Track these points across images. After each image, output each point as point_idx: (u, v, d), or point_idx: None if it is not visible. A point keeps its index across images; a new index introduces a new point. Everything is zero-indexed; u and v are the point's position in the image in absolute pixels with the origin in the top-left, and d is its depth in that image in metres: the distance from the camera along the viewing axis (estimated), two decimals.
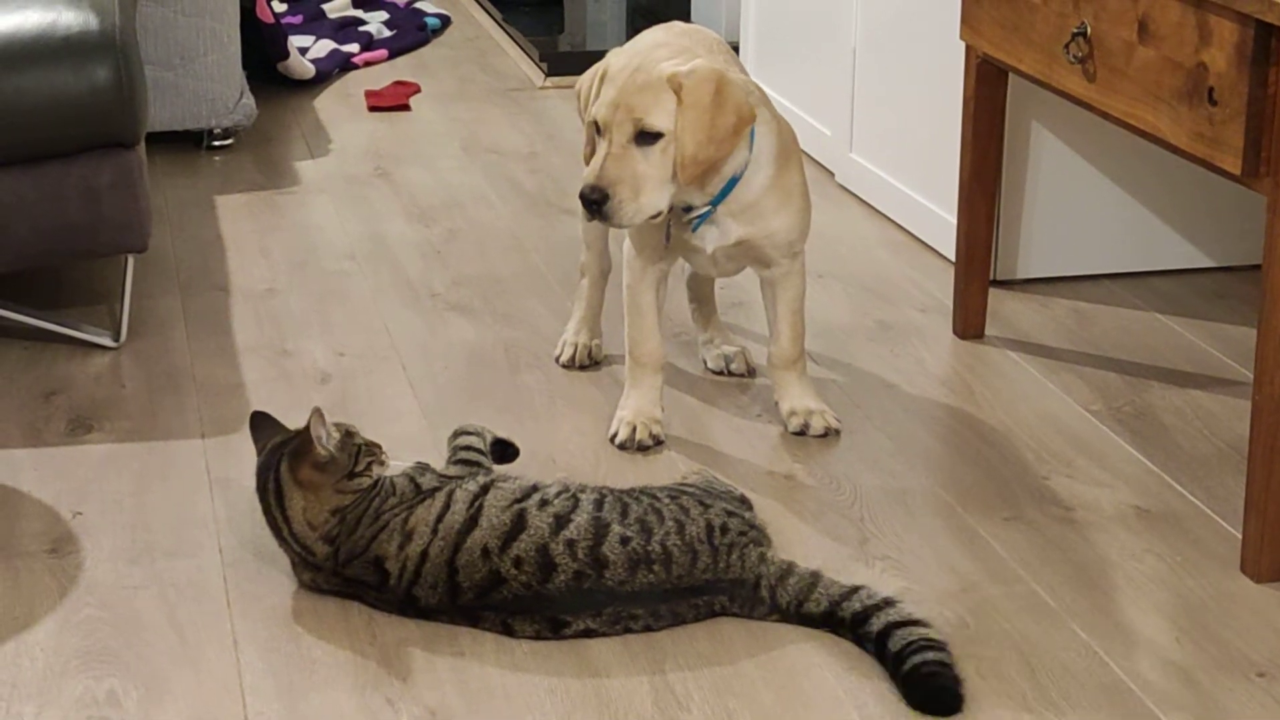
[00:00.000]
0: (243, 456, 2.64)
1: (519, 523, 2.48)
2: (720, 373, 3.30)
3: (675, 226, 2.91)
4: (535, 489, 2.55)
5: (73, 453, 3.02)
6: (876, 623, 2.44)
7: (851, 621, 2.46)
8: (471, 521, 2.49)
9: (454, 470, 2.69)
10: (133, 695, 2.38)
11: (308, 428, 2.53)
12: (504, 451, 2.84)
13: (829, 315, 3.59)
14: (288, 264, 3.83)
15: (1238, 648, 2.50)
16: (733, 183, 2.87)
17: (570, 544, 2.46)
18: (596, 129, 2.78)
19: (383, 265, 3.83)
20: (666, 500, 2.56)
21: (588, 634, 2.48)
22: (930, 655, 2.37)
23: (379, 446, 2.59)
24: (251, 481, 2.60)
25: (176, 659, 2.46)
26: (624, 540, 2.47)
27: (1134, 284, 3.74)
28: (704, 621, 2.53)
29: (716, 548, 2.51)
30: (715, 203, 2.89)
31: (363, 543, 2.51)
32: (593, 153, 2.78)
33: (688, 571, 2.49)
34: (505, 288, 3.71)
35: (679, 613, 2.51)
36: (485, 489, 2.54)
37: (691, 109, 2.72)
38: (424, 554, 2.49)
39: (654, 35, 2.95)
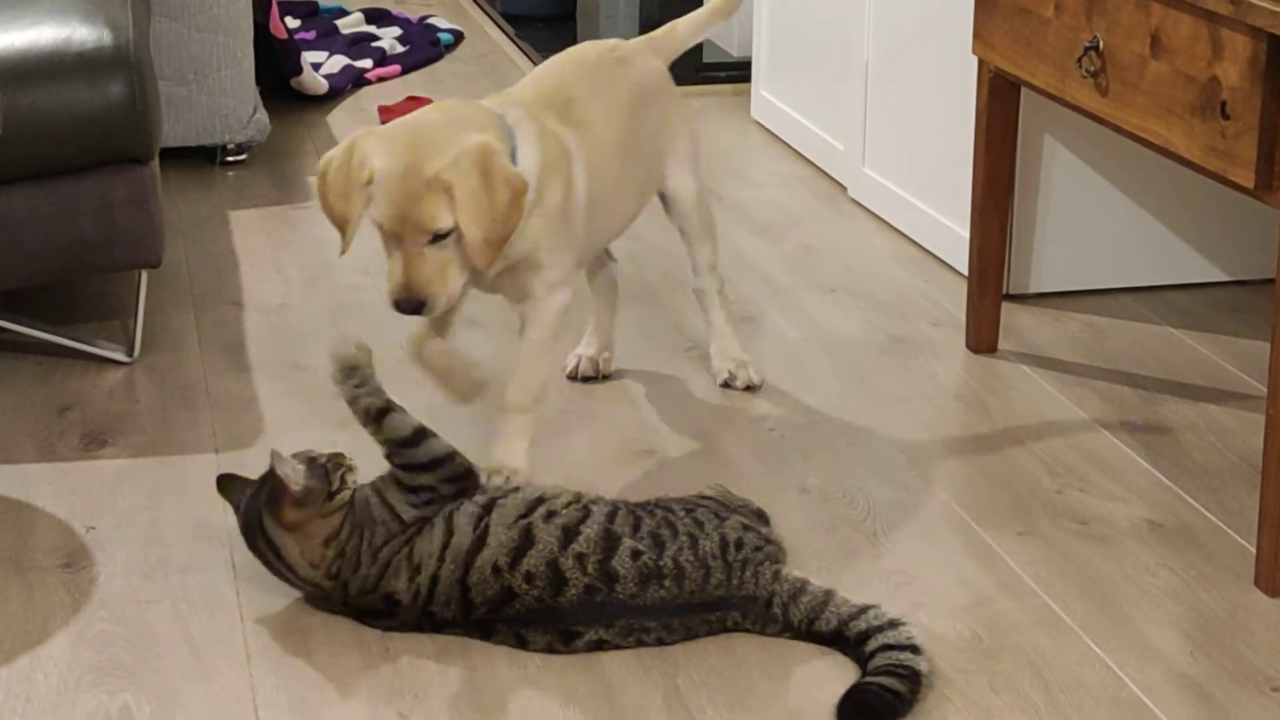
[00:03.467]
0: (256, 471, 2.64)
1: (526, 538, 2.48)
2: (725, 385, 3.29)
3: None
4: (541, 501, 2.54)
5: (86, 467, 3.02)
6: (874, 643, 2.43)
7: (855, 641, 2.46)
8: (479, 541, 2.49)
9: (407, 478, 2.54)
10: (146, 710, 2.38)
11: (272, 473, 2.50)
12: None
13: (842, 330, 3.59)
14: (301, 279, 3.83)
15: (1252, 662, 2.49)
16: None
17: (580, 558, 2.46)
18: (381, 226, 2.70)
19: None
20: (681, 514, 2.56)
21: (600, 645, 2.48)
22: (886, 680, 2.36)
23: (341, 455, 2.55)
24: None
25: (190, 674, 2.46)
26: (635, 554, 2.47)
27: (1148, 298, 3.74)
28: (716, 635, 2.53)
29: (730, 564, 2.51)
30: None
31: (371, 580, 2.50)
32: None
33: (700, 587, 2.49)
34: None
35: (691, 626, 2.50)
36: (488, 508, 2.52)
37: (467, 201, 2.62)
38: (435, 577, 2.48)
39: (423, 117, 2.80)
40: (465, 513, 2.52)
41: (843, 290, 3.78)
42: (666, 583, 2.47)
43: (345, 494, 2.52)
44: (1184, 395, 3.31)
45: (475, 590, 2.47)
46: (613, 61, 3.10)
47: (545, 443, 3.09)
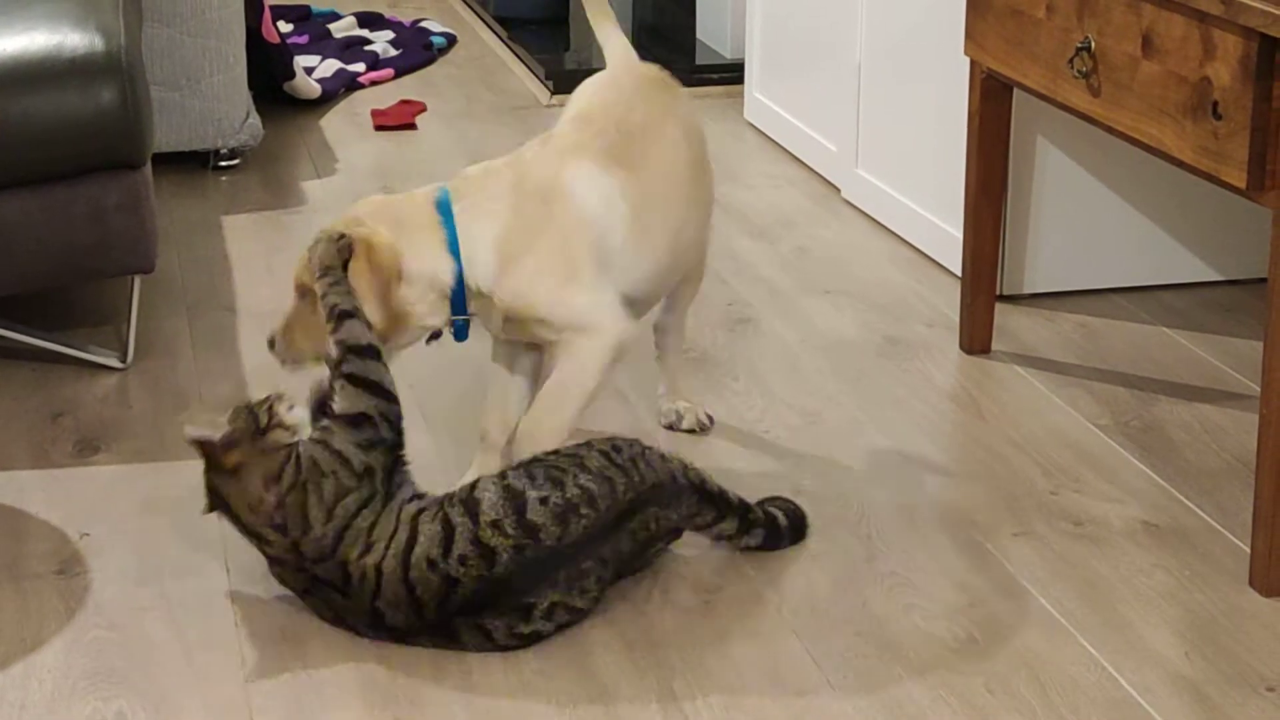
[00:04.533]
0: None
1: (448, 527, 2.49)
2: (670, 428, 3.18)
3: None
4: (449, 495, 2.57)
5: (80, 474, 3.02)
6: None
7: (739, 505, 2.72)
8: (413, 538, 2.49)
9: (349, 399, 2.56)
10: (141, 716, 2.38)
11: (194, 442, 2.54)
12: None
13: (836, 331, 3.59)
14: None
15: (1247, 662, 2.50)
16: (459, 292, 2.72)
17: (495, 524, 2.47)
18: None
19: None
20: (554, 456, 2.59)
21: (553, 610, 2.49)
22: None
23: (271, 395, 2.56)
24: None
25: (185, 680, 2.46)
26: (543, 500, 2.50)
27: (1141, 298, 3.74)
28: (710, 637, 2.53)
29: (623, 466, 2.56)
30: (458, 313, 2.74)
31: (328, 545, 2.50)
32: None
33: (611, 498, 2.53)
34: None
35: (621, 550, 2.55)
36: (423, 510, 2.53)
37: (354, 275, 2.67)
38: (378, 569, 2.49)
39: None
40: (407, 511, 2.52)
41: (838, 292, 3.78)
42: (583, 510, 2.50)
43: (280, 433, 2.52)
44: (1178, 395, 3.31)
45: (419, 587, 2.48)
46: (661, 81, 2.98)
47: None
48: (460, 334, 2.79)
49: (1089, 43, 2.93)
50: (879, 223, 4.15)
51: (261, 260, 3.96)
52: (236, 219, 4.22)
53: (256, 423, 2.52)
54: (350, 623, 2.54)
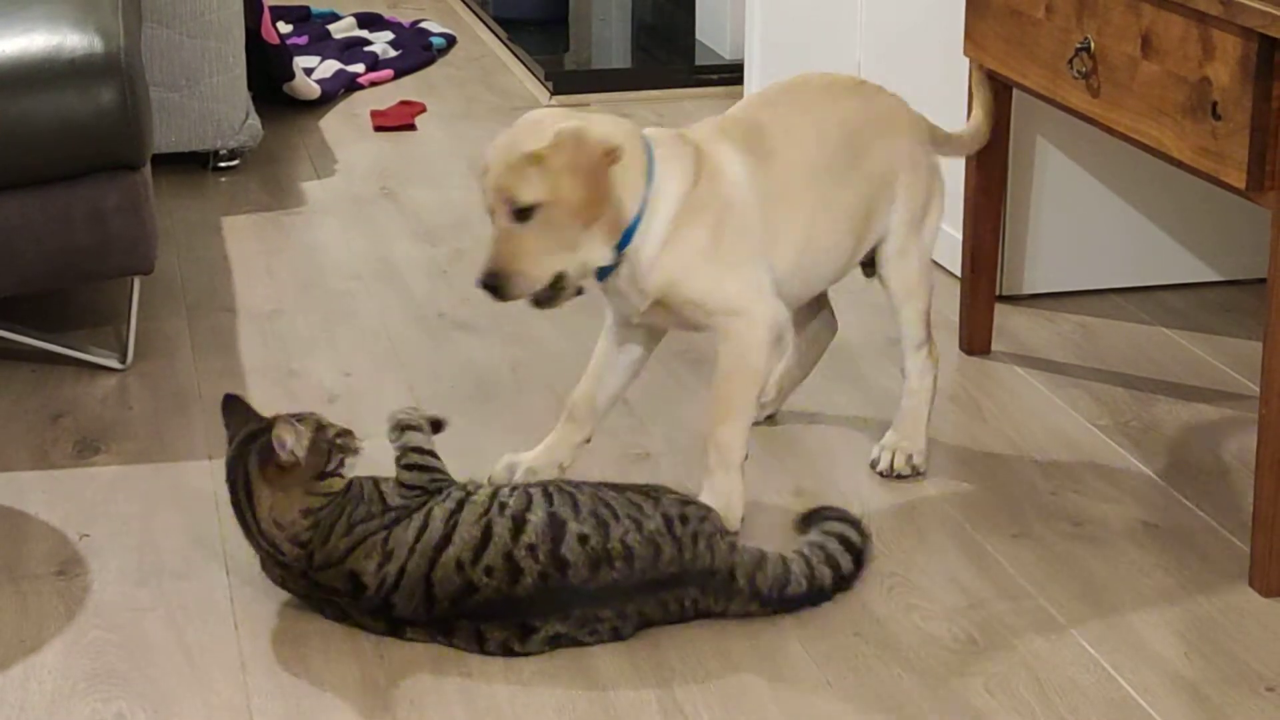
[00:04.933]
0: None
1: (486, 534, 2.49)
2: None
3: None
4: (497, 495, 2.55)
5: (80, 475, 3.02)
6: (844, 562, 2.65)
7: (833, 580, 2.63)
8: (446, 539, 2.49)
9: (408, 477, 2.59)
10: (140, 717, 2.38)
11: (271, 427, 2.53)
12: (436, 426, 2.75)
13: (837, 331, 3.58)
14: (294, 284, 3.83)
15: (1246, 662, 2.50)
16: (633, 227, 2.69)
17: (531, 548, 2.47)
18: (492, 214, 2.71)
19: (389, 285, 3.83)
20: (613, 494, 2.56)
21: (557, 640, 2.48)
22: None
23: (350, 433, 2.57)
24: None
25: (184, 681, 2.46)
26: (582, 539, 2.48)
27: (1141, 298, 3.74)
28: (710, 638, 2.53)
29: (679, 539, 2.52)
30: (621, 248, 2.69)
31: (338, 554, 2.51)
32: None
33: (651, 565, 2.50)
34: (511, 307, 3.70)
35: (645, 612, 2.52)
36: (460, 505, 2.53)
37: (561, 171, 2.61)
38: (402, 569, 2.49)
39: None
40: (442, 507, 2.53)
41: (837, 291, 3.78)
42: (617, 564, 2.48)
43: (336, 482, 2.53)
44: (1177, 395, 3.31)
45: (439, 586, 2.48)
46: (841, 90, 2.97)
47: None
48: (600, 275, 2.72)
49: (1088, 43, 2.93)
50: None
51: (261, 261, 3.96)
52: (236, 220, 4.22)
53: (326, 464, 2.52)
54: (354, 616, 2.54)
